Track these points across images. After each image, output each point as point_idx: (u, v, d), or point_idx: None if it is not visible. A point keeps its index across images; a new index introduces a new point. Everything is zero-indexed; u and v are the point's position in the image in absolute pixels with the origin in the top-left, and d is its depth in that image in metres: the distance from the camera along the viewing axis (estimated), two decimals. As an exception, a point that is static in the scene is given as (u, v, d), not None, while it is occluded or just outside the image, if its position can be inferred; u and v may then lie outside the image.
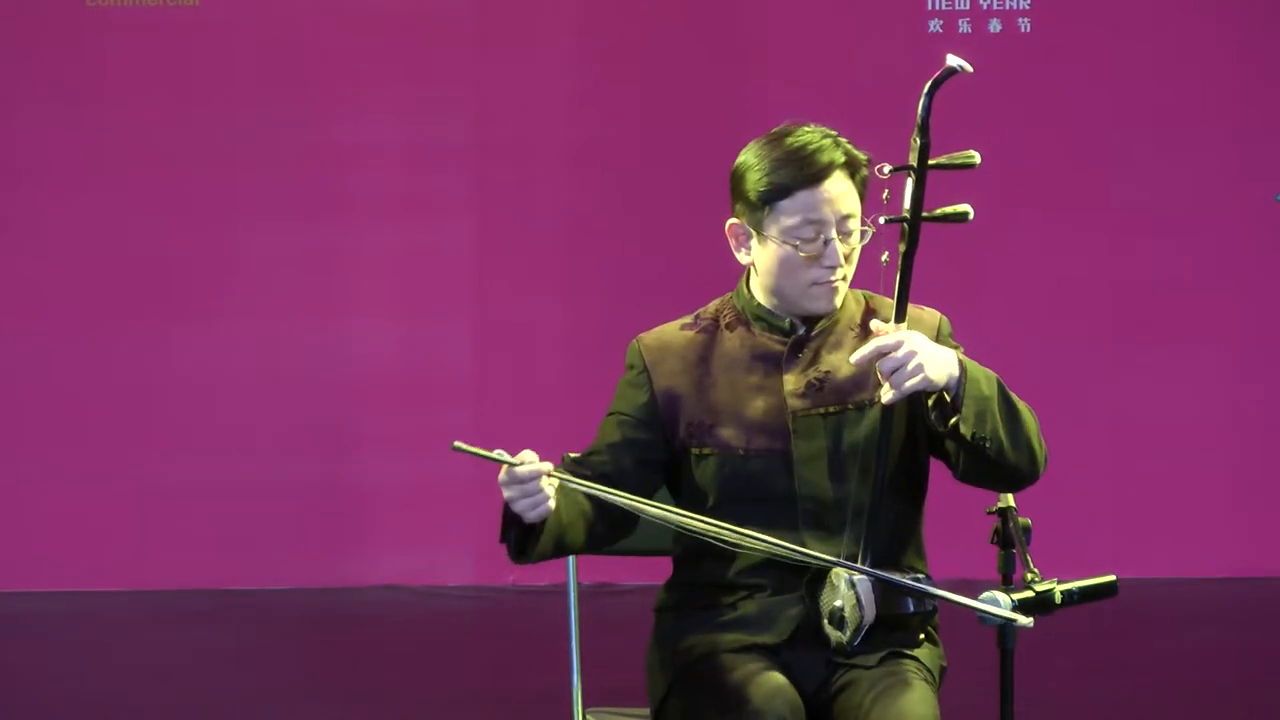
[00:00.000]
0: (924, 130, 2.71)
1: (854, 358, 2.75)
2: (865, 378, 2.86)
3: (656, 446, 2.95)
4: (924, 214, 2.74)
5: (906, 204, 2.73)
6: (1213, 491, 6.90)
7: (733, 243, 2.96)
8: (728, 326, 2.97)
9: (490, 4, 6.84)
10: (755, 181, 2.88)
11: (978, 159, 2.73)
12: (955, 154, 2.73)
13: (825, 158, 2.85)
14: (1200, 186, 6.91)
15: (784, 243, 2.87)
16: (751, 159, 2.90)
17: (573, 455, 2.99)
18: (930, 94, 2.71)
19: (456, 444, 2.64)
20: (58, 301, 6.75)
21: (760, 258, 2.92)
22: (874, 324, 2.80)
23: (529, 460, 2.69)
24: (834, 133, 2.90)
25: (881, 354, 2.71)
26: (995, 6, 6.87)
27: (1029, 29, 6.87)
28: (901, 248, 2.76)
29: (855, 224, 2.87)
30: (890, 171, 2.77)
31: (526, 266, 6.87)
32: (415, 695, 5.39)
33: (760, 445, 2.88)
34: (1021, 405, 2.82)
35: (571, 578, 3.21)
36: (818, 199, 2.85)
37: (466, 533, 6.77)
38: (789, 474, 2.87)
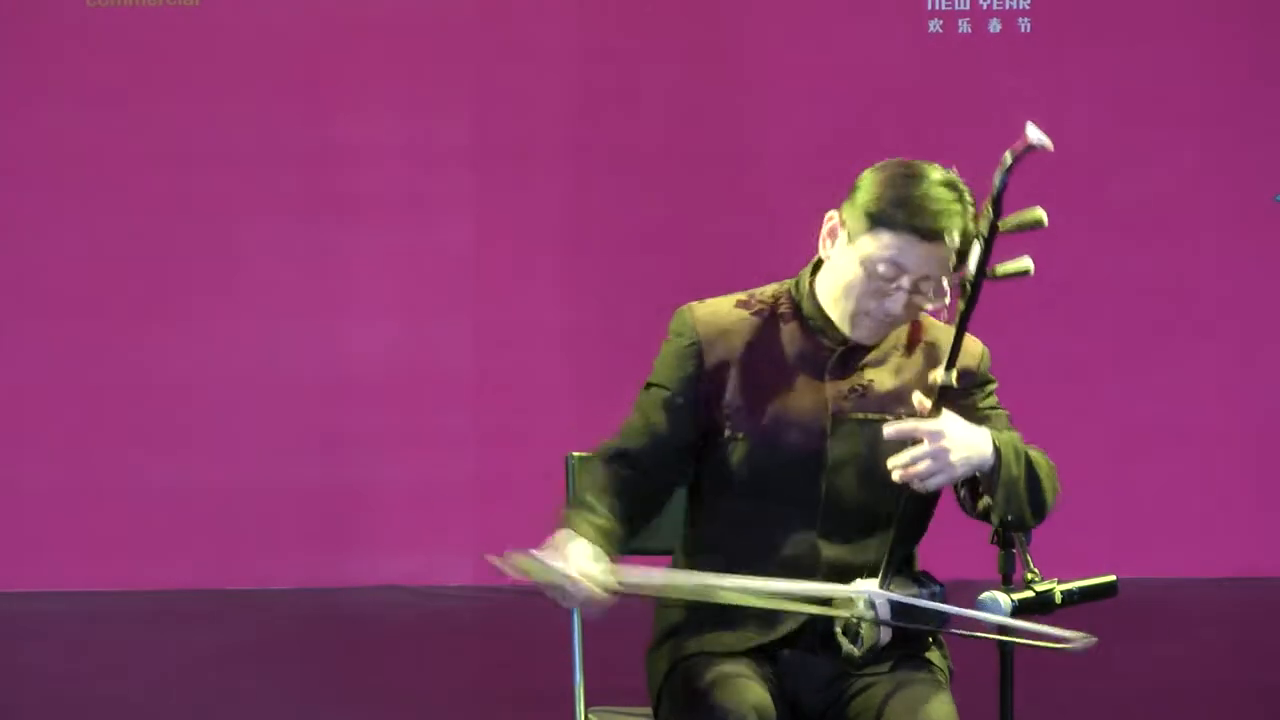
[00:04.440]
0: (997, 203, 2.71)
1: (888, 431, 2.74)
2: (904, 391, 2.85)
3: (696, 427, 2.90)
4: (987, 273, 2.76)
5: (971, 267, 2.75)
6: (1213, 492, 6.90)
7: (825, 230, 2.92)
8: (782, 318, 2.94)
9: (490, 4, 6.84)
10: (874, 199, 2.83)
11: (1044, 218, 2.73)
12: (1022, 213, 2.73)
13: (942, 225, 2.81)
14: (1200, 186, 6.91)
15: (862, 263, 2.84)
16: (885, 177, 2.85)
17: (610, 446, 2.91)
18: (1008, 170, 2.69)
19: (490, 557, 2.71)
20: (59, 302, 6.74)
21: (839, 258, 2.88)
22: (915, 398, 2.77)
23: (585, 582, 2.69)
24: (967, 196, 2.85)
25: (916, 439, 2.71)
26: (995, 6, 6.87)
27: (1029, 29, 6.87)
28: (961, 305, 2.77)
29: (929, 285, 2.84)
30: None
31: (526, 266, 6.87)
32: (415, 695, 5.38)
33: (794, 441, 2.85)
34: (1042, 469, 2.82)
35: (574, 577, 3.18)
36: (913, 251, 2.81)
37: (466, 533, 6.78)
38: (817, 476, 2.85)
